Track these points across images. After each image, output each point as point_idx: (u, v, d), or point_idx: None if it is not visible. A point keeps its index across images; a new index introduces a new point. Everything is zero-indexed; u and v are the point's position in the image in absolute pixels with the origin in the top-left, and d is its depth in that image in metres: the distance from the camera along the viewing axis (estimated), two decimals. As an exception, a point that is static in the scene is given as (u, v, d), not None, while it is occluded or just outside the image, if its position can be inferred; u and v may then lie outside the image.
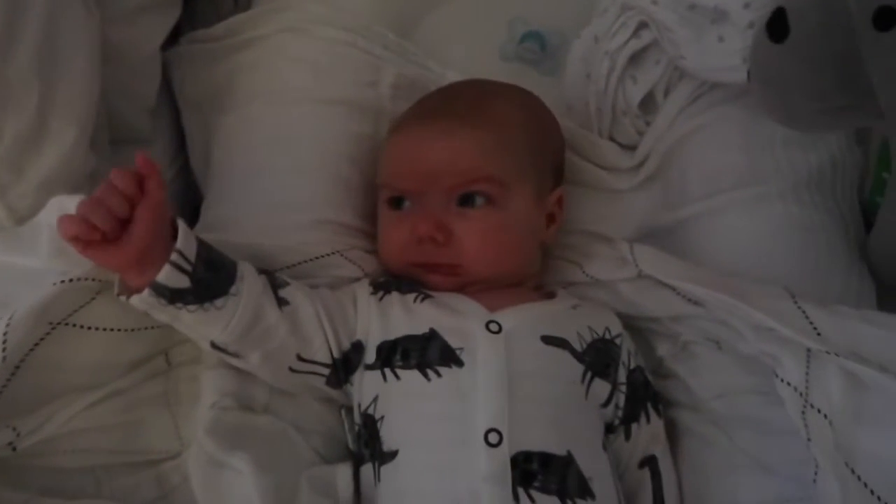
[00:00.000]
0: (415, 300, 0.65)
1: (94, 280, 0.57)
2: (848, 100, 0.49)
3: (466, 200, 0.65)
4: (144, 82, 0.80)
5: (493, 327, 0.61)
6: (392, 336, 0.62)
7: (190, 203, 0.83)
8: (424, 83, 0.82)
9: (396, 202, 0.69)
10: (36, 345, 0.55)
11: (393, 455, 0.57)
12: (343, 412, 0.67)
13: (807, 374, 0.56)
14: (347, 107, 0.76)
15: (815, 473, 0.54)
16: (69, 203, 0.58)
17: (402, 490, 0.56)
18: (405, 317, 0.63)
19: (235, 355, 0.60)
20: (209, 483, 0.57)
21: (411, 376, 0.60)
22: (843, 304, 0.64)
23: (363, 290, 0.67)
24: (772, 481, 0.60)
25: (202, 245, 0.57)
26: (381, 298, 0.66)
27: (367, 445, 0.61)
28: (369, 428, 0.61)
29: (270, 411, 0.64)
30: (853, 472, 0.53)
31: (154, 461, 0.61)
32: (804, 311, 0.58)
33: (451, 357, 0.59)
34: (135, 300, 0.55)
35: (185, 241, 0.55)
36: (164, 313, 0.56)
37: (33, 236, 0.59)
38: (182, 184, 0.86)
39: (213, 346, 0.59)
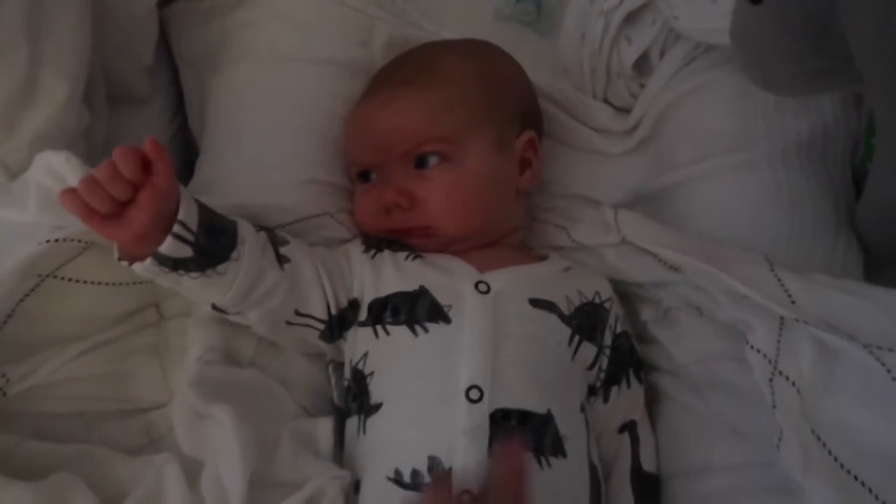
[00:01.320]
0: (406, 258, 0.66)
1: (81, 241, 0.58)
2: (825, 63, 0.48)
3: (422, 163, 0.66)
4: (140, 41, 0.80)
5: (483, 287, 0.62)
6: (383, 293, 0.63)
7: (190, 161, 0.84)
8: (418, 43, 0.81)
9: (364, 175, 0.70)
10: (26, 295, 0.57)
11: (377, 407, 0.59)
12: (331, 367, 0.68)
13: (778, 342, 0.56)
14: (337, 66, 0.76)
15: (779, 440, 0.54)
16: (54, 159, 0.59)
17: (382, 440, 0.58)
18: (396, 274, 0.64)
19: (236, 314, 0.61)
20: (192, 433, 0.59)
21: (400, 332, 0.61)
22: (826, 271, 0.63)
23: (356, 248, 0.68)
24: (744, 446, 0.60)
25: (203, 211, 0.57)
26: (373, 256, 0.67)
27: (354, 399, 0.62)
28: (358, 383, 0.62)
29: (256, 365, 0.66)
30: (819, 439, 0.53)
31: (143, 409, 0.63)
32: (780, 279, 0.58)
33: (439, 314, 0.60)
34: (137, 267, 0.55)
35: (188, 210, 0.55)
36: (167, 279, 0.57)
37: (22, 192, 0.61)
38: (182, 141, 0.87)
39: (215, 307, 0.60)
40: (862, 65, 0.45)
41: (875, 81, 0.47)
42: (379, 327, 0.62)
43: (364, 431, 0.59)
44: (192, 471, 0.58)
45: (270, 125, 0.74)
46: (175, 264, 0.55)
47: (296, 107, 0.75)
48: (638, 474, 0.64)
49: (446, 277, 0.63)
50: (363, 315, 0.64)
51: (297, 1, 0.78)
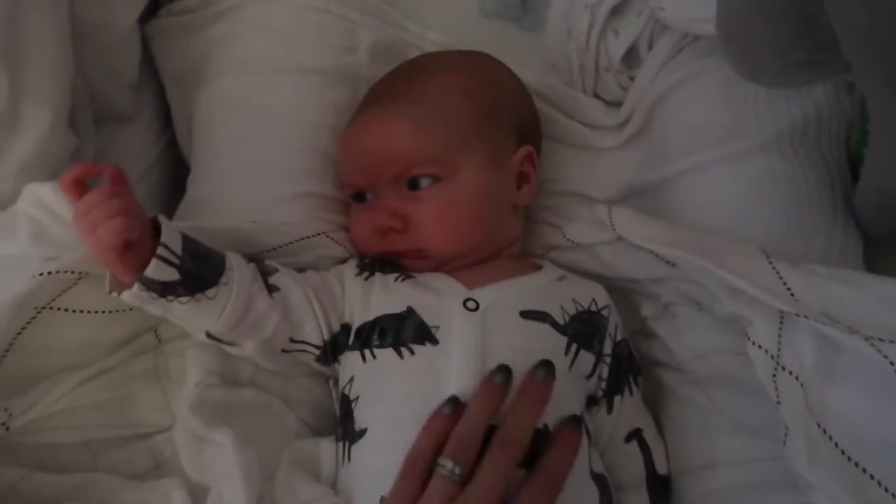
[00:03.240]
0: (396, 279, 0.65)
1: (74, 273, 0.58)
2: (811, 54, 0.47)
3: (414, 185, 0.65)
4: (123, 59, 0.80)
5: (471, 304, 0.61)
6: (371, 316, 0.62)
7: (180, 178, 0.83)
8: (402, 46, 0.80)
9: (359, 196, 0.69)
10: (23, 328, 0.57)
11: (362, 433, 0.58)
12: (331, 383, 0.68)
13: (779, 335, 0.56)
14: (323, 75, 0.75)
15: (785, 436, 0.54)
16: (42, 190, 0.59)
17: (366, 467, 0.57)
18: (384, 296, 0.63)
19: (231, 344, 0.61)
20: (195, 458, 0.59)
21: (386, 355, 0.60)
22: (826, 259, 0.63)
23: (350, 271, 0.67)
24: (749, 441, 0.60)
25: (187, 238, 0.56)
26: (366, 279, 0.66)
27: (339, 425, 0.62)
28: (344, 407, 0.61)
29: (256, 384, 0.66)
30: (825, 432, 0.53)
31: (146, 434, 0.63)
32: (778, 272, 0.57)
33: (426, 335, 0.59)
34: (125, 296, 0.54)
35: (169, 234, 0.55)
36: (156, 306, 0.56)
37: (12, 223, 0.60)
38: (172, 158, 0.87)
39: (209, 336, 0.60)
40: (849, 55, 0.45)
41: (863, 71, 0.46)
42: (366, 351, 0.61)
43: (349, 458, 0.58)
44: (197, 495, 0.58)
45: (258, 138, 0.73)
46: (163, 289, 0.54)
47: (283, 118, 0.74)
48: (653, 479, 0.63)
49: (434, 297, 0.62)
50: (352, 339, 0.63)
51: (278, 11, 0.77)
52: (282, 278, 0.62)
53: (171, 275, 0.54)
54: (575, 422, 0.56)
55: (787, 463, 0.54)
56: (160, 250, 0.53)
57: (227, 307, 0.57)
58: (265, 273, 0.62)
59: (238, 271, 0.59)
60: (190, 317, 0.58)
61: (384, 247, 0.66)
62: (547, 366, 0.56)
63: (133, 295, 0.54)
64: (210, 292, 0.56)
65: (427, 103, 0.66)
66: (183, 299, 0.56)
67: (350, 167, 0.69)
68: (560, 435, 0.55)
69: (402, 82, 0.70)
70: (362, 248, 0.70)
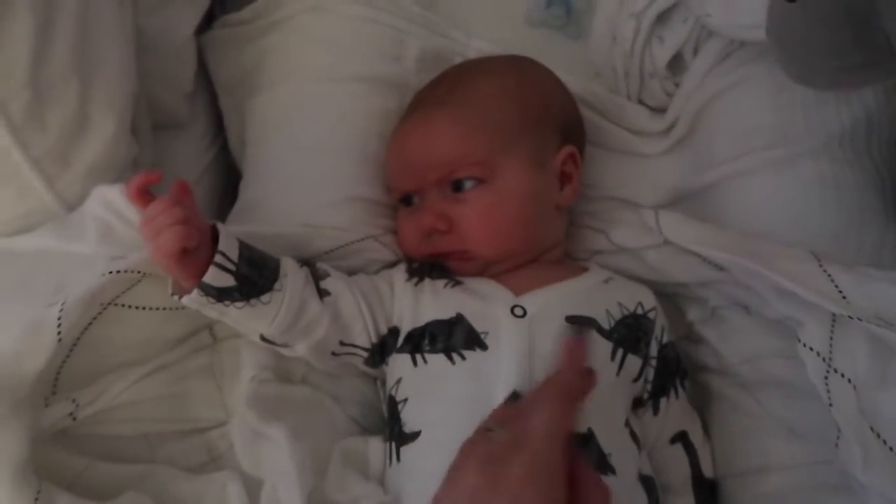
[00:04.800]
0: (445, 285, 0.66)
1: (139, 272, 0.60)
2: (865, 57, 0.47)
3: (458, 187, 0.66)
4: (180, 68, 0.83)
5: (518, 311, 0.62)
6: (421, 322, 0.64)
7: (231, 183, 0.86)
8: (449, 54, 0.82)
9: (406, 200, 0.71)
10: (89, 324, 0.59)
11: (415, 436, 0.59)
12: (379, 384, 0.70)
13: (831, 338, 0.56)
14: (371, 83, 0.77)
15: (838, 437, 0.53)
16: (110, 193, 0.61)
17: (420, 468, 0.58)
18: (434, 302, 0.65)
19: (284, 345, 0.63)
20: (250, 452, 0.61)
21: (437, 360, 0.61)
22: (878, 261, 0.62)
23: (400, 276, 0.69)
24: (800, 445, 0.60)
25: (244, 245, 0.59)
26: (416, 284, 0.67)
27: (387, 425, 0.63)
28: (391, 409, 0.63)
29: (308, 382, 0.68)
30: (879, 436, 0.52)
31: (202, 429, 0.65)
32: (829, 274, 0.57)
33: (475, 341, 0.60)
34: (186, 300, 0.57)
35: (227, 242, 0.57)
36: (213, 310, 0.58)
37: (80, 224, 0.63)
38: (223, 164, 0.90)
39: (263, 338, 0.62)
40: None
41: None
42: (418, 355, 0.63)
43: (398, 459, 0.60)
44: (252, 488, 0.60)
45: (309, 144, 0.76)
46: (220, 294, 0.57)
47: (333, 125, 0.76)
48: (700, 481, 0.63)
49: (483, 304, 0.63)
50: (401, 341, 0.65)
51: (329, 21, 0.79)
52: (333, 283, 0.64)
53: (228, 281, 0.56)
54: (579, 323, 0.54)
55: (839, 465, 0.53)
56: (218, 258, 0.56)
57: (280, 312, 0.59)
58: (317, 277, 0.64)
59: (291, 277, 0.61)
60: (245, 320, 0.60)
61: (429, 248, 0.68)
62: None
63: (192, 300, 0.57)
64: (264, 297, 0.59)
65: (470, 106, 0.67)
66: (238, 304, 0.58)
67: (396, 171, 0.71)
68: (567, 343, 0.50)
69: (445, 86, 0.71)
70: (408, 251, 0.71)
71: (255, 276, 0.58)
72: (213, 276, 0.56)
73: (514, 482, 0.41)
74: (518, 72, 0.72)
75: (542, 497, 0.42)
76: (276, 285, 0.59)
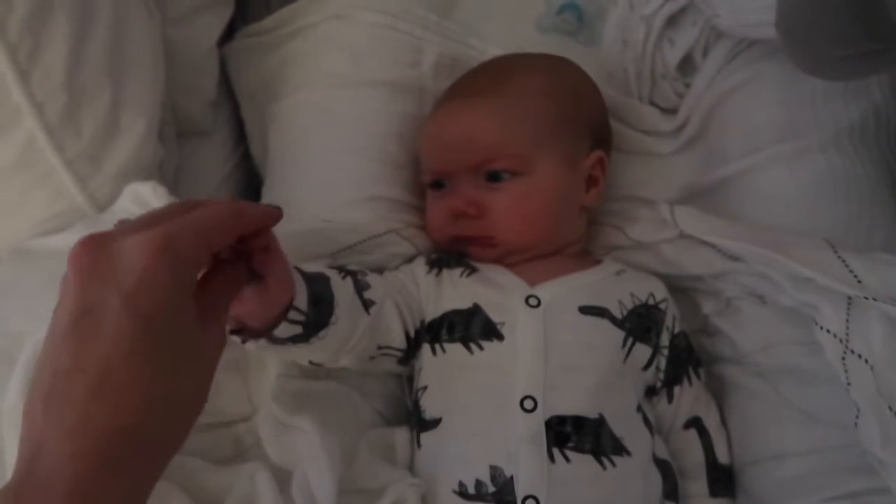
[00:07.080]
0: (461, 275, 0.68)
1: None
2: (874, 45, 0.49)
3: (493, 176, 0.68)
4: (204, 77, 0.86)
5: (533, 301, 0.63)
6: (440, 312, 0.65)
7: (253, 189, 0.89)
8: (466, 60, 0.84)
9: (437, 184, 0.72)
10: (120, 319, 0.61)
11: (436, 422, 0.61)
12: (404, 378, 0.71)
13: (847, 321, 0.57)
14: (390, 88, 0.79)
15: (857, 417, 0.54)
16: (143, 189, 0.63)
17: (442, 454, 0.60)
18: (452, 292, 0.66)
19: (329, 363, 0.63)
20: (279, 443, 0.62)
21: (455, 349, 0.63)
22: (888, 253, 0.63)
23: (421, 269, 0.70)
24: (817, 430, 0.61)
25: (307, 281, 0.56)
26: (436, 276, 0.69)
27: (412, 414, 0.65)
28: (413, 397, 0.64)
29: (333, 377, 0.68)
30: (896, 415, 0.53)
31: (228, 423, 0.66)
32: (844, 260, 0.58)
33: (492, 331, 0.62)
34: (250, 346, 0.55)
35: (301, 295, 0.54)
36: (273, 351, 0.58)
37: (112, 223, 0.65)
38: (245, 171, 0.92)
39: (311, 363, 0.62)
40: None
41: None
42: (437, 345, 0.64)
43: (419, 445, 0.62)
44: (281, 479, 0.61)
45: (330, 147, 0.78)
46: (285, 341, 0.56)
47: (353, 128, 0.78)
48: (714, 467, 0.64)
49: (498, 294, 0.65)
50: (423, 332, 0.66)
51: (349, 28, 0.82)
52: (375, 292, 0.64)
53: (296, 330, 0.55)
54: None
55: (859, 442, 0.54)
56: (292, 314, 0.53)
57: (335, 343, 0.59)
58: (360, 289, 0.63)
59: (343, 304, 0.59)
60: (300, 354, 0.60)
61: (455, 231, 0.69)
62: None
63: (258, 346, 0.56)
64: (322, 333, 0.57)
65: (512, 99, 0.69)
66: (300, 345, 0.57)
67: (432, 153, 0.72)
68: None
69: (488, 78, 0.73)
70: (434, 234, 0.73)
71: (316, 317, 0.56)
72: (284, 329, 0.54)
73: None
74: (559, 72, 0.74)
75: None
76: (332, 319, 0.58)
